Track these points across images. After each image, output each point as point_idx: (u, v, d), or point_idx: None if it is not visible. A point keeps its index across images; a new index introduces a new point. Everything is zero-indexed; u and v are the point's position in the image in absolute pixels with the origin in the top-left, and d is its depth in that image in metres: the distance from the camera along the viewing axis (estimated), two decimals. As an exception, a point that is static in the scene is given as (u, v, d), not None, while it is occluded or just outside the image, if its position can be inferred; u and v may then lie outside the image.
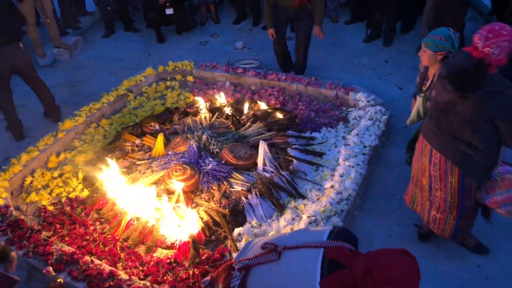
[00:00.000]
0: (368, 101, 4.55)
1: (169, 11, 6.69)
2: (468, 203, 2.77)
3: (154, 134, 4.36)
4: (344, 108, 4.70)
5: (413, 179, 3.06)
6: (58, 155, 4.28)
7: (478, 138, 2.48)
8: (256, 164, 3.91)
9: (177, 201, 3.49)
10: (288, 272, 1.63)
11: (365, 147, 3.95)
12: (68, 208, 3.64)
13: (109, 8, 7.21)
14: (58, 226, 3.45)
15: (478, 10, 6.56)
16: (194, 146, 3.92)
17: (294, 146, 4.10)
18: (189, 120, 4.58)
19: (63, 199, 3.75)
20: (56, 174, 4.02)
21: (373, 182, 3.89)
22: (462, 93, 2.38)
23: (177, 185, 3.54)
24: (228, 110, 4.65)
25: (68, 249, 3.17)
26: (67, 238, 3.33)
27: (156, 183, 3.79)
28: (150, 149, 4.22)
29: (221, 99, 4.87)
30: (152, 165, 3.97)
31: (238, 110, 4.69)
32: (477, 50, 2.32)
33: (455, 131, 2.56)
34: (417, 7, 6.20)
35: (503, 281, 2.96)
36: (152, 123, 4.53)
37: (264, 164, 3.88)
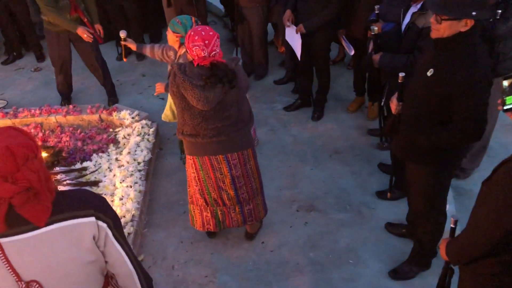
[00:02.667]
0: (133, 118, 4.54)
1: None
2: (258, 169, 3.13)
3: None
4: (111, 130, 4.58)
5: (207, 205, 3.08)
6: None
7: (246, 106, 2.91)
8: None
9: None
10: None
11: (139, 163, 3.94)
12: None
13: None
14: None
15: (215, 14, 7.20)
16: None
17: (65, 182, 3.81)
18: None
19: None
20: None
21: (156, 195, 3.91)
22: (231, 85, 2.67)
23: None
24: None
25: None
26: None
27: None
28: None
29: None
30: None
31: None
32: (206, 58, 2.60)
33: (233, 120, 2.79)
34: (160, 20, 6.45)
35: (283, 249, 3.34)
36: None
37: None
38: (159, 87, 3.42)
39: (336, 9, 4.09)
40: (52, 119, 4.70)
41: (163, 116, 3.65)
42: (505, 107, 1.82)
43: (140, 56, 6.16)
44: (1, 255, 1.37)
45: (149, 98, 5.31)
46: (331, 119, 4.73)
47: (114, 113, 4.62)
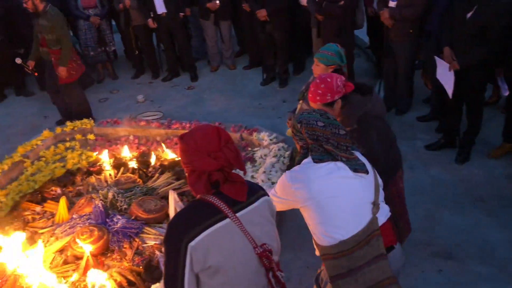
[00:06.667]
0: (271, 139, 4.73)
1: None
2: None
3: (56, 199, 4.11)
4: (249, 149, 4.82)
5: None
6: None
7: None
8: (168, 215, 3.83)
9: (86, 265, 3.29)
10: None
11: (272, 183, 4.06)
12: (-40, 295, 3.26)
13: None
14: (-51, 316, 3.07)
15: (359, 46, 7.21)
16: (100, 205, 3.76)
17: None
18: (93, 179, 4.40)
19: (-46, 285, 3.36)
20: None
21: (285, 216, 3.98)
22: None
23: (85, 248, 3.35)
24: (133, 164, 4.55)
25: None
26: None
27: (62, 250, 3.55)
28: (53, 215, 3.96)
29: (125, 153, 4.77)
30: (56, 232, 3.72)
31: (144, 162, 4.61)
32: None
33: None
34: (306, 49, 6.69)
35: None
36: (53, 188, 4.28)
37: (176, 214, 3.81)
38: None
39: (495, 47, 3.82)
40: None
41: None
42: None
43: (282, 83, 6.43)
44: (241, 227, 1.66)
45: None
46: (478, 163, 4.37)
47: (255, 134, 4.86)
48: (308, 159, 2.11)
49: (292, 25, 6.24)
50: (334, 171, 2.03)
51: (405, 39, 4.82)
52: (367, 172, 2.07)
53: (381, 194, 2.13)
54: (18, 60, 5.51)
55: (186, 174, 1.73)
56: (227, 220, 1.64)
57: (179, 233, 1.60)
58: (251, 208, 1.72)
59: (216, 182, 1.66)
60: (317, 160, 2.05)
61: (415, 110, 5.33)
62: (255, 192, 1.78)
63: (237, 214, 1.66)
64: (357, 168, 2.04)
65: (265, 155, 4.54)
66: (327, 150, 2.04)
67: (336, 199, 2.00)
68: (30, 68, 5.63)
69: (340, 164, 2.04)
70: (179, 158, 4.55)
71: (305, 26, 6.20)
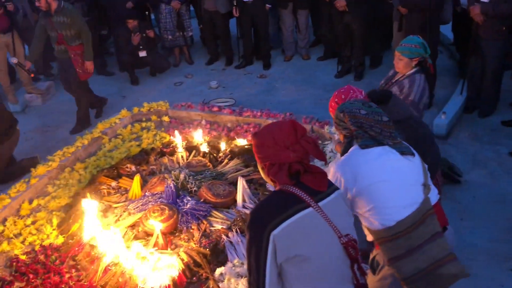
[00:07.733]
0: (343, 134, 4.61)
1: (142, 53, 6.75)
2: None
3: (131, 176, 4.29)
4: (320, 142, 4.74)
5: None
6: (30, 202, 4.14)
7: None
8: (235, 201, 3.87)
9: (156, 242, 3.40)
10: None
11: (343, 178, 3.97)
12: (42, 257, 3.49)
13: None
14: (31, 276, 3.30)
15: (441, 43, 6.84)
16: (172, 185, 3.87)
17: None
18: (165, 160, 4.54)
19: (37, 247, 3.61)
20: (29, 221, 3.87)
21: (353, 213, 3.89)
22: None
23: (156, 226, 3.46)
24: (205, 148, 4.64)
25: (42, 299, 3.03)
26: (41, 288, 3.19)
27: (133, 225, 3.70)
28: (127, 191, 4.14)
29: (197, 137, 4.86)
30: (129, 207, 3.88)
31: (215, 147, 4.69)
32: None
33: None
34: (384, 42, 6.45)
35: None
36: (128, 165, 4.47)
37: (244, 201, 3.84)
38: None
39: None
40: (270, 122, 5.10)
41: None
42: None
43: (358, 76, 6.26)
44: (324, 216, 1.66)
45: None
46: None
47: (326, 127, 4.77)
48: (355, 147, 2.13)
49: (371, 17, 6.04)
50: (383, 155, 2.06)
51: (496, 37, 4.50)
52: (413, 154, 2.11)
53: (429, 175, 2.15)
54: (14, 60, 5.36)
55: (263, 169, 1.75)
56: (310, 209, 1.65)
57: (262, 221, 1.61)
58: (330, 198, 1.71)
59: (296, 173, 1.67)
60: (364, 146, 2.08)
61: (500, 114, 4.98)
62: (331, 185, 1.78)
63: (319, 204, 1.66)
64: (404, 151, 2.08)
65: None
66: (372, 136, 2.08)
67: (388, 182, 2.04)
68: (27, 68, 5.52)
69: (387, 148, 2.08)
70: (248, 146, 4.62)
71: (385, 19, 5.98)
